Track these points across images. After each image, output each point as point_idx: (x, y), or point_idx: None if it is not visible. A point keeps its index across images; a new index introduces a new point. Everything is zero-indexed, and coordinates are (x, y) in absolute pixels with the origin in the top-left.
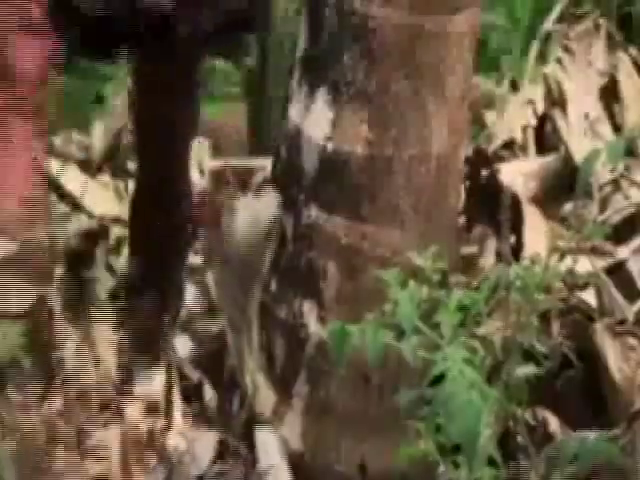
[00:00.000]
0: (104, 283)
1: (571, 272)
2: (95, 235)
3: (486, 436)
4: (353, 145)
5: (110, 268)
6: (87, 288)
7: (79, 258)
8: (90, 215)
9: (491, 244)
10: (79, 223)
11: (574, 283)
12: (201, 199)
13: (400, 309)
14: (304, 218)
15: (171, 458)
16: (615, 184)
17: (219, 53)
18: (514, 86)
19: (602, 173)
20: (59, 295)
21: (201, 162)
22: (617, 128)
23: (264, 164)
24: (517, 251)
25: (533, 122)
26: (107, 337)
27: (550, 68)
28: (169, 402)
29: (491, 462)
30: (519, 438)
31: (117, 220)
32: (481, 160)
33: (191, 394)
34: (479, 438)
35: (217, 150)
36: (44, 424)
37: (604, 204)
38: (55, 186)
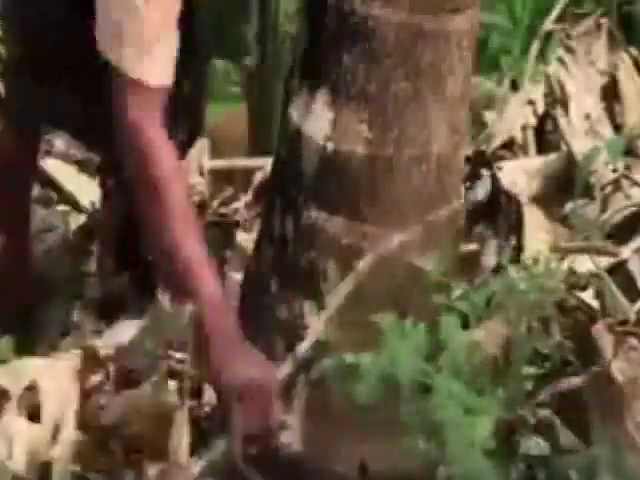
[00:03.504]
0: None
1: (572, 272)
2: (91, 231)
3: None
4: (353, 145)
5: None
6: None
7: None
8: (87, 213)
9: (491, 244)
10: (77, 220)
11: (574, 283)
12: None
13: (399, 362)
14: (304, 219)
15: None
16: (616, 183)
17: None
18: (514, 86)
19: (604, 173)
20: None
21: (201, 162)
22: (617, 128)
23: (264, 164)
24: (518, 251)
25: (533, 122)
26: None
27: (552, 67)
28: None
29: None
30: (519, 438)
31: None
32: (481, 160)
33: None
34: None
35: (217, 150)
36: None
37: (605, 204)
38: (55, 186)
